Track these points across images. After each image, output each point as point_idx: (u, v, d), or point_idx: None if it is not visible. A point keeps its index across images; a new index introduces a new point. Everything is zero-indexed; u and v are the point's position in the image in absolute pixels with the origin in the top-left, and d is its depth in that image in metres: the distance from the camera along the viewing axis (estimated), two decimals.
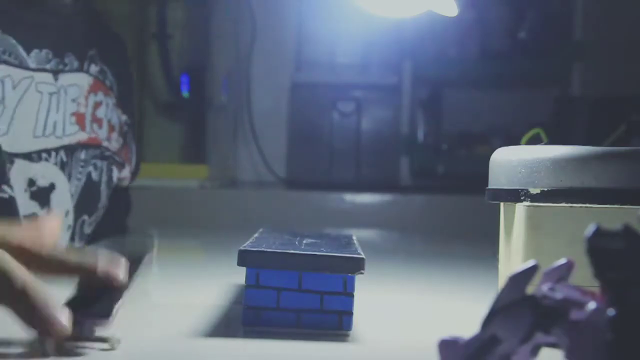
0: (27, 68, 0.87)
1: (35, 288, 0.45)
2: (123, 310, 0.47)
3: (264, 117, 1.87)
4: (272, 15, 1.89)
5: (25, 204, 0.88)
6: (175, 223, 1.45)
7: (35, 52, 0.88)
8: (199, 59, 1.76)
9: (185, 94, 1.78)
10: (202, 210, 1.51)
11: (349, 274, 0.51)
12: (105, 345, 0.45)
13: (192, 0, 1.80)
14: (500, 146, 0.63)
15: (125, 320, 0.51)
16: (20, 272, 0.45)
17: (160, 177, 1.60)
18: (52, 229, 0.50)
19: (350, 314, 0.51)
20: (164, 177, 1.61)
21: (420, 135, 1.90)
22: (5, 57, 0.83)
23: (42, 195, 0.90)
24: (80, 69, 0.96)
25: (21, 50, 0.86)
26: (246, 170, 1.89)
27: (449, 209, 1.52)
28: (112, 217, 1.08)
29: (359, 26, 1.81)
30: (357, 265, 0.51)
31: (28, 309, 0.44)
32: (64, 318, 0.44)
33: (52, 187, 0.91)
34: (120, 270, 0.47)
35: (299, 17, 1.90)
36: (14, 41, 0.85)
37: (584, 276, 0.38)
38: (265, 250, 0.51)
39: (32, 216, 0.89)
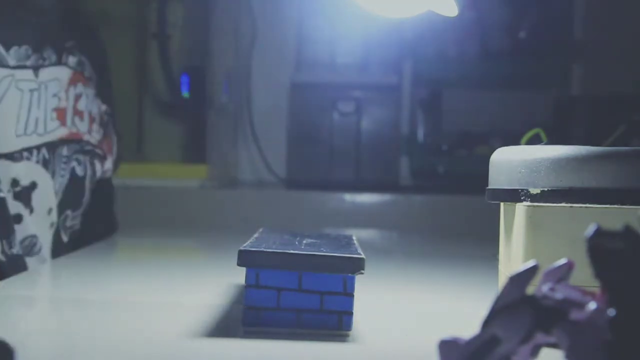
0: (7, 66, 0.86)
1: None
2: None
3: (264, 117, 1.87)
4: (272, 15, 1.89)
5: (9, 204, 0.88)
6: (175, 223, 1.45)
7: (14, 49, 0.87)
8: (199, 59, 1.76)
9: (185, 94, 1.78)
10: (202, 210, 1.51)
11: (349, 274, 0.51)
12: None
13: (192, 0, 1.80)
14: (500, 146, 0.63)
15: (126, 321, 0.51)
16: None
17: (160, 177, 1.60)
18: None
19: (350, 314, 0.51)
20: (164, 177, 1.61)
21: (420, 135, 1.90)
22: None
23: (24, 195, 0.90)
24: (59, 62, 0.95)
25: (0, 48, 0.86)
26: (246, 170, 1.89)
27: (449, 209, 1.52)
28: (99, 210, 1.08)
29: (359, 26, 1.81)
30: (357, 265, 0.51)
31: None
32: None
33: (33, 185, 0.91)
34: None
35: (299, 17, 1.90)
36: None
37: (584, 276, 0.38)
38: (265, 250, 0.51)
39: (17, 217, 0.89)
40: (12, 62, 0.87)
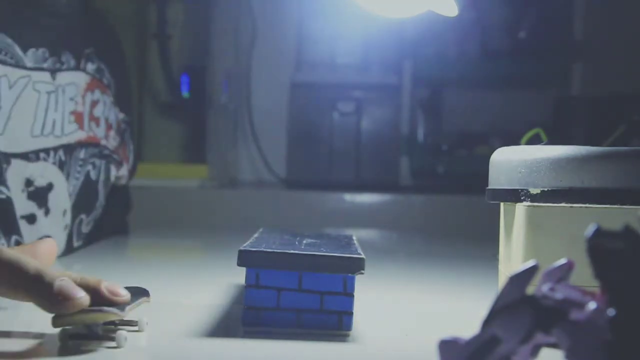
0: (24, 67, 0.86)
1: (47, 270, 0.47)
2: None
3: (264, 117, 1.87)
4: (272, 15, 1.89)
5: (22, 204, 0.87)
6: (175, 223, 1.45)
7: (31, 51, 0.87)
8: (199, 59, 1.76)
9: (185, 94, 1.78)
10: (202, 210, 1.51)
11: (349, 274, 0.51)
12: (134, 328, 0.51)
13: (192, 0, 1.80)
14: (500, 146, 0.63)
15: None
16: (30, 260, 0.47)
17: (160, 177, 1.60)
18: (48, 252, 0.53)
19: (350, 314, 0.51)
20: (164, 177, 1.61)
21: (420, 135, 1.90)
22: (2, 56, 0.82)
23: (39, 195, 0.89)
24: (77, 68, 0.95)
25: (17, 50, 0.86)
26: (246, 170, 1.89)
27: (449, 209, 1.52)
28: (111, 216, 1.08)
29: (359, 26, 1.81)
30: (357, 265, 0.51)
31: (45, 289, 0.46)
32: (82, 292, 0.46)
33: (50, 186, 0.91)
34: (121, 289, 0.50)
35: (299, 17, 1.90)
36: (10, 40, 0.84)
37: (584, 276, 0.38)
38: (265, 250, 0.51)
39: (30, 217, 0.89)
40: (29, 64, 0.87)
